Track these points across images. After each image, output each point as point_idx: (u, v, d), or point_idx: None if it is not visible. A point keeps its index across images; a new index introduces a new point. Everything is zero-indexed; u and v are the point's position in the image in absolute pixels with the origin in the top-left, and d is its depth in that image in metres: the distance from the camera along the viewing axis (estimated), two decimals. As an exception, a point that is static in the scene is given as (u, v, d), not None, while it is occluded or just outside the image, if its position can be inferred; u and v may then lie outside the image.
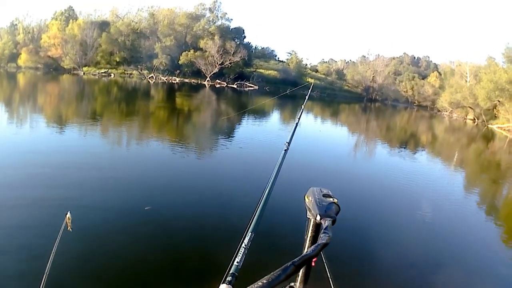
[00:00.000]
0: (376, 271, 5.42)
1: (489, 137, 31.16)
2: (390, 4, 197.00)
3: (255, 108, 29.17)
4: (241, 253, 1.05)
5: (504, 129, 36.99)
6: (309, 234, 1.35)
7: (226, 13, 58.85)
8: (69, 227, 2.16)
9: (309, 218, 1.34)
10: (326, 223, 1.20)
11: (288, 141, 2.29)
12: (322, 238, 1.08)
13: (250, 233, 1.16)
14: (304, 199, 1.37)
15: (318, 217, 1.24)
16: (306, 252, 1.01)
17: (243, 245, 1.09)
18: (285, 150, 2.11)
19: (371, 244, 6.27)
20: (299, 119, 3.03)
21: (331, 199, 1.33)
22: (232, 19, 65.58)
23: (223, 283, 0.85)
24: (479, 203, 10.43)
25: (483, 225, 8.43)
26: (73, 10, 59.89)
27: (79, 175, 8.12)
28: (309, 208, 1.32)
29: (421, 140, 25.02)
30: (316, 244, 1.05)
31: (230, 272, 0.93)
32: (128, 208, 6.49)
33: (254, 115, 26.02)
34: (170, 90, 41.45)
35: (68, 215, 2.21)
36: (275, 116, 29.23)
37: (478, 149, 23.42)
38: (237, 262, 0.99)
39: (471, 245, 6.99)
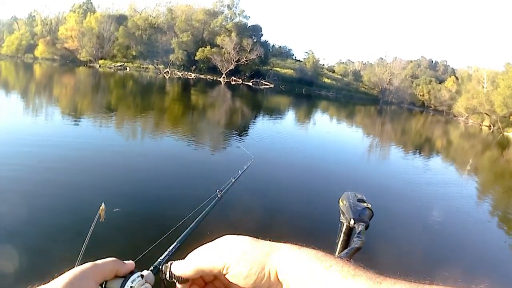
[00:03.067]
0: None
1: (504, 144, 30.71)
2: (409, 7, 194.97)
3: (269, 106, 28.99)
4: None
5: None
6: (341, 238, 1.37)
7: (244, 11, 59.24)
8: (102, 218, 2.22)
9: (342, 222, 1.36)
10: (359, 227, 1.22)
11: (221, 188, 1.96)
12: (355, 242, 1.11)
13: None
14: (338, 202, 1.39)
15: (352, 221, 1.26)
16: (339, 255, 1.04)
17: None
18: (218, 197, 1.83)
19: (395, 250, 6.23)
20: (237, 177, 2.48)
21: (365, 204, 1.35)
22: (249, 17, 65.71)
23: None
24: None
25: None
26: (91, 3, 60.66)
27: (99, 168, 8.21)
28: (343, 212, 1.34)
29: (436, 145, 24.73)
30: (349, 248, 1.08)
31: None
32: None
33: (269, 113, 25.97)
34: (186, 86, 41.57)
35: (103, 206, 2.27)
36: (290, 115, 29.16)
37: (493, 157, 23.13)
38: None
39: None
